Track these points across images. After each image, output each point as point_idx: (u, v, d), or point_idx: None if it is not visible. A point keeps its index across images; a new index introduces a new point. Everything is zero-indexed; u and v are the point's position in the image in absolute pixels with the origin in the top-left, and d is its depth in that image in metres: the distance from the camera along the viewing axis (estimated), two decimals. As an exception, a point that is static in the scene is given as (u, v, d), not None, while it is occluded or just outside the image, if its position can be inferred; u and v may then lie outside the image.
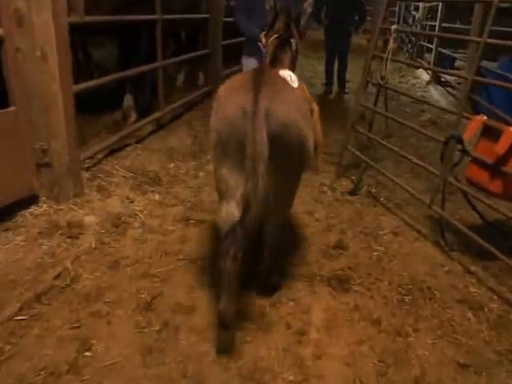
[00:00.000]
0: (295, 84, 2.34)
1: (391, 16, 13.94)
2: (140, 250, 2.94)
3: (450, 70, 7.59)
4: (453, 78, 8.35)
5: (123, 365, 2.08)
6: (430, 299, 2.66)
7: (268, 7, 2.99)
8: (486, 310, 2.58)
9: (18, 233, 2.97)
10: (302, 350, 2.23)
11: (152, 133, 5.06)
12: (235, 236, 2.03)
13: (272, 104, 2.02)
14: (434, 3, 10.10)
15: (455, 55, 9.07)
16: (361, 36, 10.44)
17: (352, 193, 4.00)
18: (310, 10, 3.11)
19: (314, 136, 2.35)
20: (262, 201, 1.99)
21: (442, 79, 9.00)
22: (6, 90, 2.97)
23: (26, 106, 3.05)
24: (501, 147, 2.67)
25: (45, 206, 3.25)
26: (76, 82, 3.54)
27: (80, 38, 6.58)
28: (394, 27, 4.04)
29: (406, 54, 12.73)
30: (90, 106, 5.01)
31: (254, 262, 2.53)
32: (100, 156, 4.12)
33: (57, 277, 2.58)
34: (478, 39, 3.17)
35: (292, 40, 2.85)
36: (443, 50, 9.27)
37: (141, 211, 3.39)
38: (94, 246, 2.92)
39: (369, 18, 9.04)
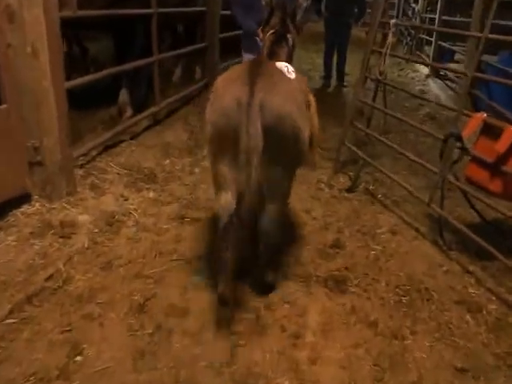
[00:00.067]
0: (292, 76, 2.32)
1: (390, 8, 13.82)
2: (134, 250, 2.89)
3: (449, 66, 7.50)
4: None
5: (114, 369, 2.04)
6: (428, 300, 2.61)
7: (264, 2, 2.95)
8: (484, 312, 2.54)
9: (10, 232, 2.92)
10: (297, 354, 2.19)
11: (147, 128, 4.99)
12: (232, 225, 2.08)
13: (267, 95, 2.03)
14: (433, -4, 10.02)
15: (454, 48, 9.00)
16: (360, 29, 10.33)
17: (349, 190, 3.95)
18: (305, 4, 3.06)
19: (311, 128, 2.35)
20: (256, 192, 2.03)
21: (442, 73, 8.95)
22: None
23: (17, 103, 3.00)
24: (501, 146, 2.62)
25: (37, 204, 3.20)
26: (71, 77, 3.48)
27: (74, 33, 6.47)
28: (392, 21, 3.98)
29: (406, 47, 12.63)
30: (86, 101, 4.95)
31: (253, 262, 2.51)
32: (94, 153, 4.06)
33: (48, 278, 2.54)
34: (479, 34, 3.12)
35: (288, 35, 2.84)
36: (443, 44, 9.19)
37: (135, 209, 3.33)
38: (86, 245, 2.87)
39: (368, 10, 8.95)
